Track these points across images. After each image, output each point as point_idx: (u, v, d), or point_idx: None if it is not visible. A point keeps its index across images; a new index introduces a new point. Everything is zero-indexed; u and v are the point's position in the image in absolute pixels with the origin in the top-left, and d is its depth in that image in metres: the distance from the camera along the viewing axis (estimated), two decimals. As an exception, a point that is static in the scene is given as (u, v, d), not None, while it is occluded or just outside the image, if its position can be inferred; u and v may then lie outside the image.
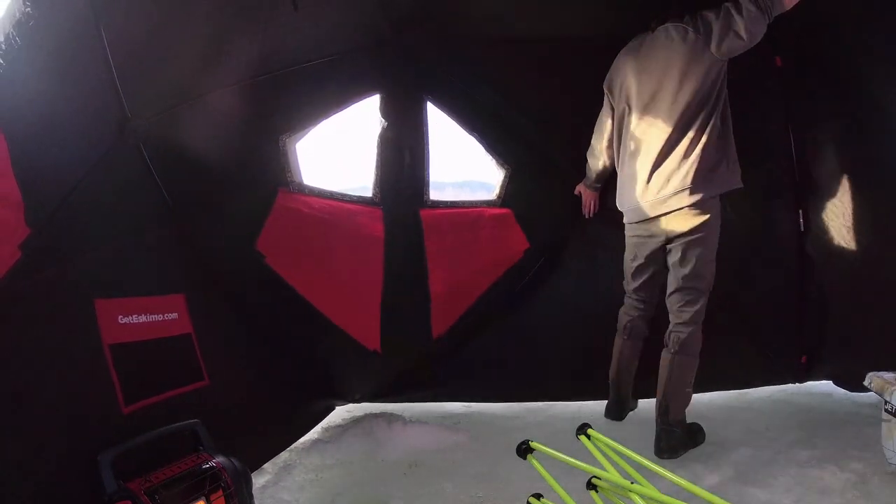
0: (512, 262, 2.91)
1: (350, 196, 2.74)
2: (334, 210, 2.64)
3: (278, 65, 2.35)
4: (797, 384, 3.05)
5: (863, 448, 2.35)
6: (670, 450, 2.46)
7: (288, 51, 2.35)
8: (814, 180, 2.81)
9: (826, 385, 3.08)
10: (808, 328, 2.90)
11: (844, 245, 2.76)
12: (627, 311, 2.73)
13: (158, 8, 1.87)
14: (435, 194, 2.89)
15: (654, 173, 2.46)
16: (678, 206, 2.43)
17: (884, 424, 2.16)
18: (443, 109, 2.86)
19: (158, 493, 1.62)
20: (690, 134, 2.40)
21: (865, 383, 2.25)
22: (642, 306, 2.70)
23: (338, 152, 3.23)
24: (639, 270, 2.65)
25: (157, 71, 1.95)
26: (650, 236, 2.56)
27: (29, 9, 1.49)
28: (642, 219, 2.55)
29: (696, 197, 2.40)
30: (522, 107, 2.89)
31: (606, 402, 2.79)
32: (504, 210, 2.91)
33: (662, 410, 2.50)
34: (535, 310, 3.01)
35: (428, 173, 2.84)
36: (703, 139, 2.39)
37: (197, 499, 1.70)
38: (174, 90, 2.04)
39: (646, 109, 2.48)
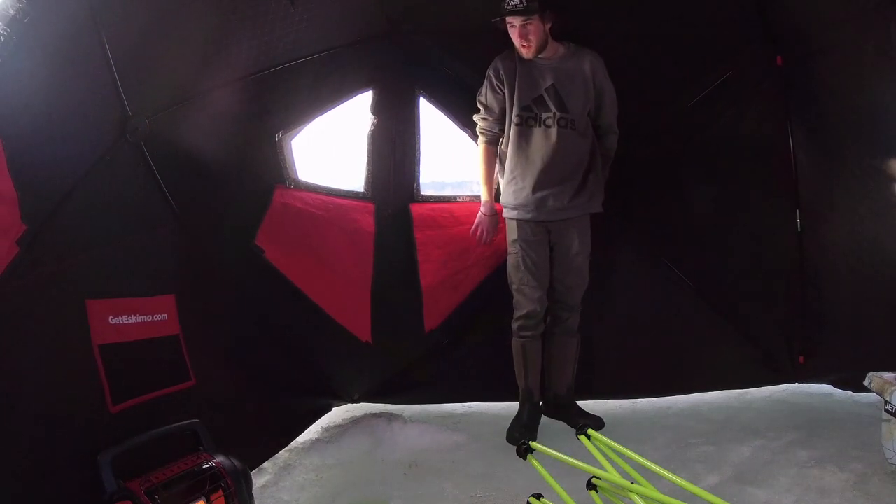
0: (505, 256, 2.90)
1: (343, 191, 2.76)
2: (328, 205, 2.66)
3: (275, 61, 2.36)
4: (797, 384, 3.05)
5: (863, 448, 2.34)
6: None
7: (285, 47, 2.36)
8: (812, 180, 2.81)
9: (826, 385, 3.07)
10: (807, 328, 2.90)
11: (843, 245, 2.75)
12: None
13: (156, 5, 1.87)
14: (434, 193, 2.90)
15: None
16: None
17: (884, 424, 2.15)
18: (435, 104, 2.87)
19: (158, 493, 1.62)
20: None
21: (865, 383, 2.25)
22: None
23: (333, 149, 3.23)
24: None
25: (156, 68, 1.95)
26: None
27: (23, 5, 1.49)
28: None
29: None
30: None
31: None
32: (496, 205, 2.91)
33: None
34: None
35: (419, 168, 2.86)
36: None
37: (197, 499, 1.70)
38: (174, 88, 2.04)
39: None
